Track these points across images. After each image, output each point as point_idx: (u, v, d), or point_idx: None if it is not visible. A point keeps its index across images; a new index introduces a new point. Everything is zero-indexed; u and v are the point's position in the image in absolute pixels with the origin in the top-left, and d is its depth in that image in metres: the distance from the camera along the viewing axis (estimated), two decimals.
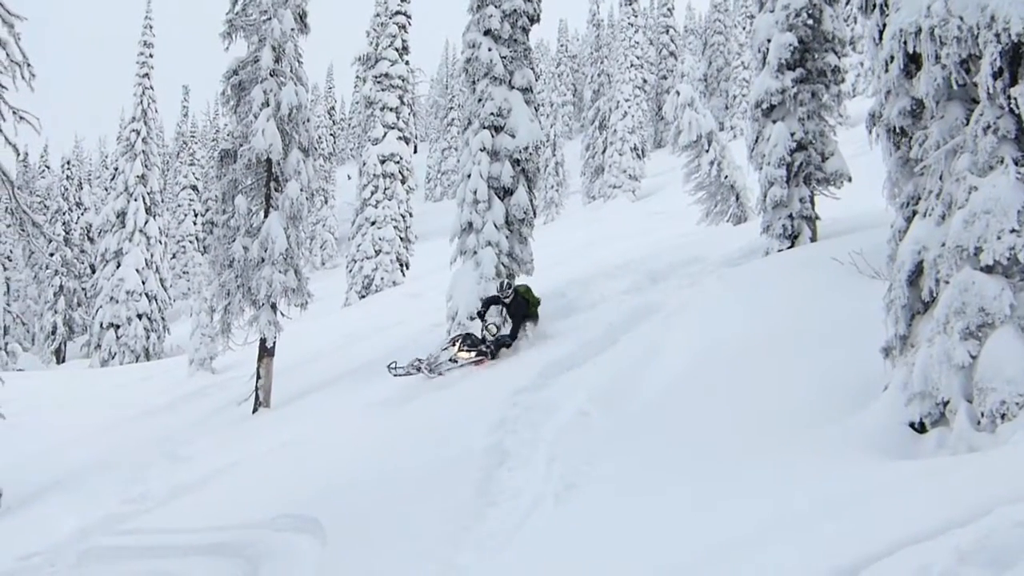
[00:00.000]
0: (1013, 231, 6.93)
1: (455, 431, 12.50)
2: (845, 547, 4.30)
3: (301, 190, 21.00)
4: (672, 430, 9.84)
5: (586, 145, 58.49)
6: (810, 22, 16.48)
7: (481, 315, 16.92)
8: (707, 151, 25.22)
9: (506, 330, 17.14)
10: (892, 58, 8.35)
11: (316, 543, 10.38)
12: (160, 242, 46.32)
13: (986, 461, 5.65)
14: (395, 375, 16.87)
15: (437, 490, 10.39)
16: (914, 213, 8.19)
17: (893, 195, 8.66)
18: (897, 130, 8.51)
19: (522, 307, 16.87)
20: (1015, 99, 7.11)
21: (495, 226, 19.81)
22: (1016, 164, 7.13)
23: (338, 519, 10.59)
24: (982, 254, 7.06)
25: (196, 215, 67.94)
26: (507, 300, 16.84)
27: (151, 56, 46.36)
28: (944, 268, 7.39)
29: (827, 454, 7.75)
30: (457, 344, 16.57)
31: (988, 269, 7.09)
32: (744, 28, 63.25)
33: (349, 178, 79.22)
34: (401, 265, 40.01)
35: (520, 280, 20.88)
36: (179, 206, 68.16)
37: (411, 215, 40.72)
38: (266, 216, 21.07)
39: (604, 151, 55.78)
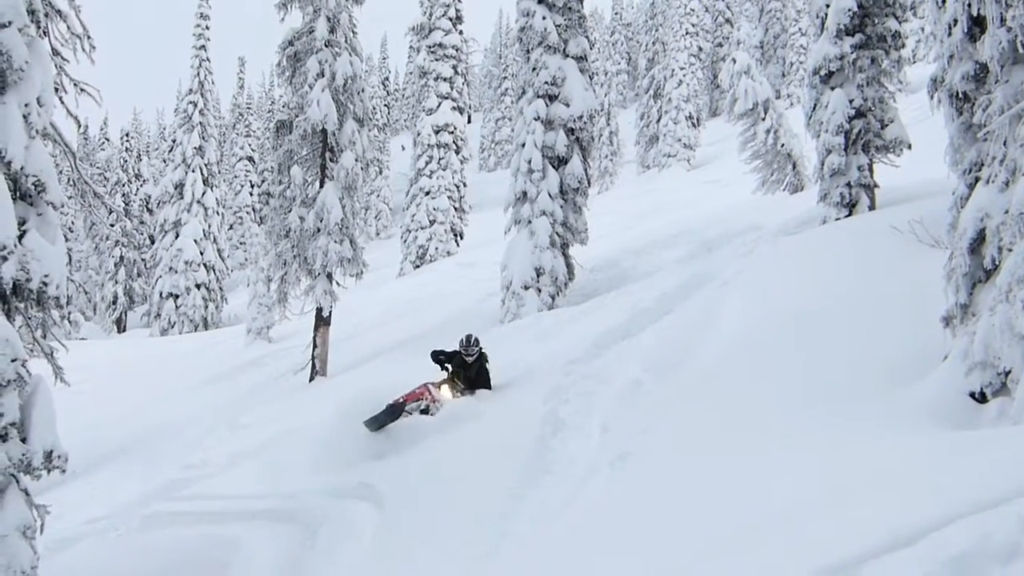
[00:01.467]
0: None
1: (509, 401, 12.56)
2: (905, 515, 4.26)
3: (356, 160, 21.11)
4: (727, 400, 9.78)
5: (640, 114, 58.02)
6: None
7: (443, 364, 14.03)
8: (763, 119, 24.92)
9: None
10: (956, 21, 8.19)
11: (373, 509, 10.52)
12: (217, 213, 46.88)
13: None
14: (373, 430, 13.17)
15: (492, 459, 10.46)
16: (976, 180, 8.04)
17: (955, 162, 8.51)
18: (960, 95, 8.35)
19: (483, 373, 13.86)
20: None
21: (549, 195, 19.80)
22: None
23: (395, 486, 10.71)
24: None
25: (252, 186, 68.59)
26: (470, 357, 13.74)
27: (208, 28, 46.73)
28: (1007, 235, 7.25)
29: (886, 424, 7.68)
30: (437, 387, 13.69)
31: None
32: None
33: (403, 149, 79.37)
34: (455, 235, 40.12)
35: (575, 249, 20.86)
36: (235, 177, 68.84)
37: (465, 185, 40.77)
38: (321, 186, 21.23)
39: (659, 120, 55.30)
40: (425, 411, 13.31)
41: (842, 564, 3.95)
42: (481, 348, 13.93)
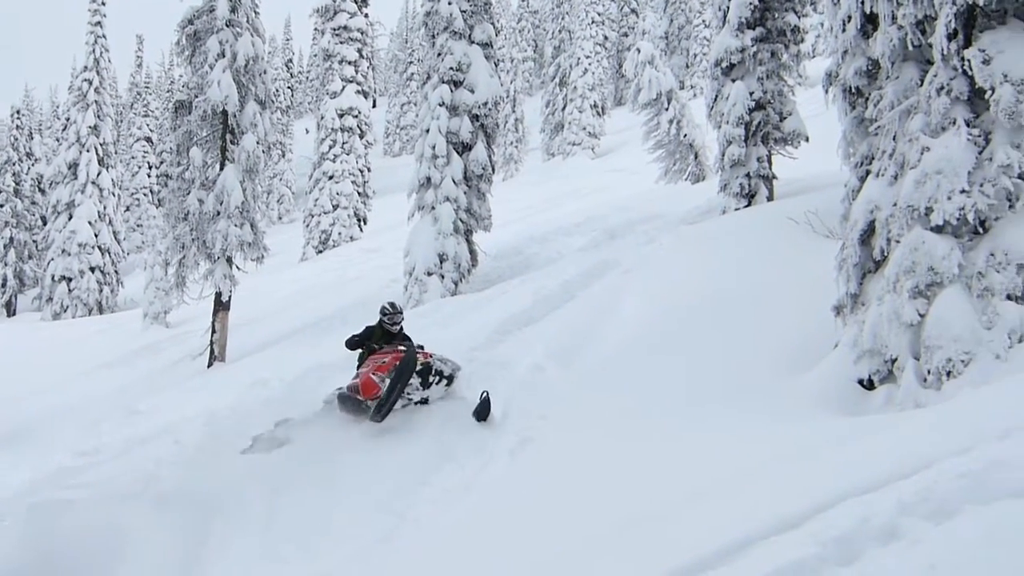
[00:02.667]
0: (963, 192, 7.03)
1: None
2: (792, 498, 4.37)
3: (257, 143, 20.75)
4: (628, 387, 9.92)
5: (546, 102, 58.18)
6: None
7: (357, 345, 11.62)
8: (667, 109, 25.21)
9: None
10: (850, 18, 8.40)
11: (269, 497, 10.38)
12: (113, 194, 45.60)
13: (931, 417, 5.76)
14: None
15: (393, 444, 10.42)
16: (867, 173, 8.27)
17: (848, 155, 8.75)
18: (853, 90, 8.58)
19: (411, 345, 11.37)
20: (968, 61, 7.17)
21: (453, 182, 19.76)
22: (968, 125, 7.21)
23: (295, 471, 10.59)
24: (932, 214, 7.16)
25: (150, 167, 66.87)
26: (396, 326, 11.58)
27: (104, 3, 45.37)
28: (895, 228, 7.48)
29: (777, 410, 7.87)
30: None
31: (938, 229, 7.20)
32: None
33: (307, 132, 78.24)
34: (359, 220, 39.74)
35: (478, 235, 20.86)
36: (133, 158, 67.05)
37: (369, 170, 40.41)
38: (222, 169, 20.81)
39: (564, 108, 55.52)
40: (424, 400, 10.91)
41: (732, 546, 4.04)
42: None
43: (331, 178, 39.27)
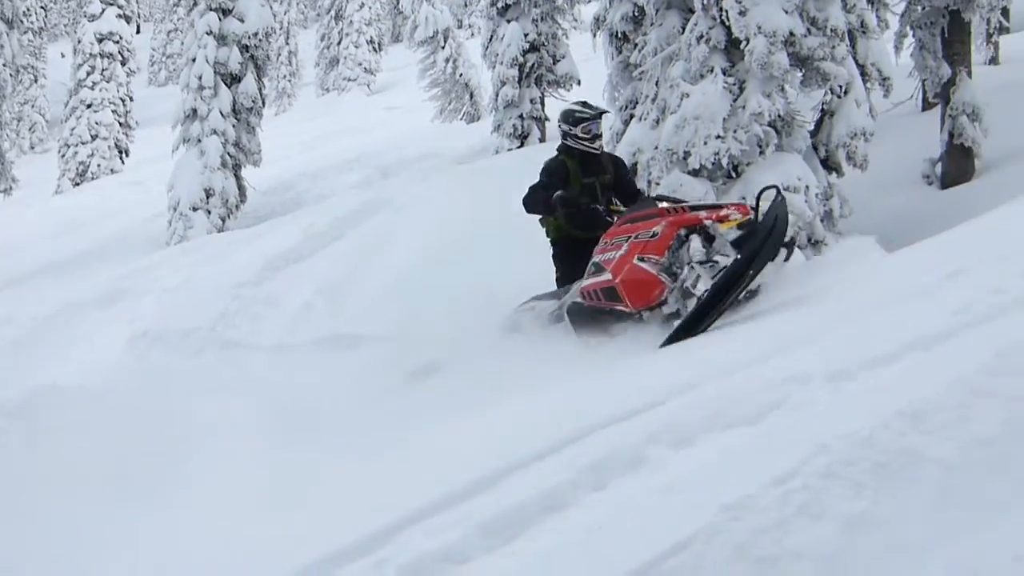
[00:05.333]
0: (718, 137, 7.36)
1: (167, 324, 12.03)
2: (552, 431, 4.50)
3: (4, 66, 19.24)
4: (393, 323, 9.93)
5: (321, 35, 56.67)
6: None
7: (551, 203, 6.99)
8: (443, 48, 25.12)
9: None
10: None
11: None
12: None
13: (676, 354, 6.01)
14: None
15: (153, 381, 10.04)
16: (631, 117, 8.54)
17: (613, 99, 9.00)
18: (619, 35, 8.82)
19: (622, 165, 7.44)
20: (726, 11, 7.47)
21: (221, 114, 19.03)
22: (724, 73, 7.54)
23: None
24: (690, 158, 7.47)
25: None
26: (598, 146, 7.13)
27: None
28: (656, 170, 7.77)
29: (541, 349, 8.04)
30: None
31: (695, 172, 7.51)
32: None
33: (63, 56, 73.25)
34: (120, 152, 37.72)
35: (247, 170, 20.25)
36: None
37: (132, 99, 38.36)
38: None
39: (340, 42, 54.29)
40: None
41: (496, 474, 4.12)
42: None
43: (89, 107, 37.02)
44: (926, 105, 12.80)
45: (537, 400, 5.68)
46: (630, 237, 6.32)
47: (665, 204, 6.38)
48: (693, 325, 5.88)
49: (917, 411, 3.29)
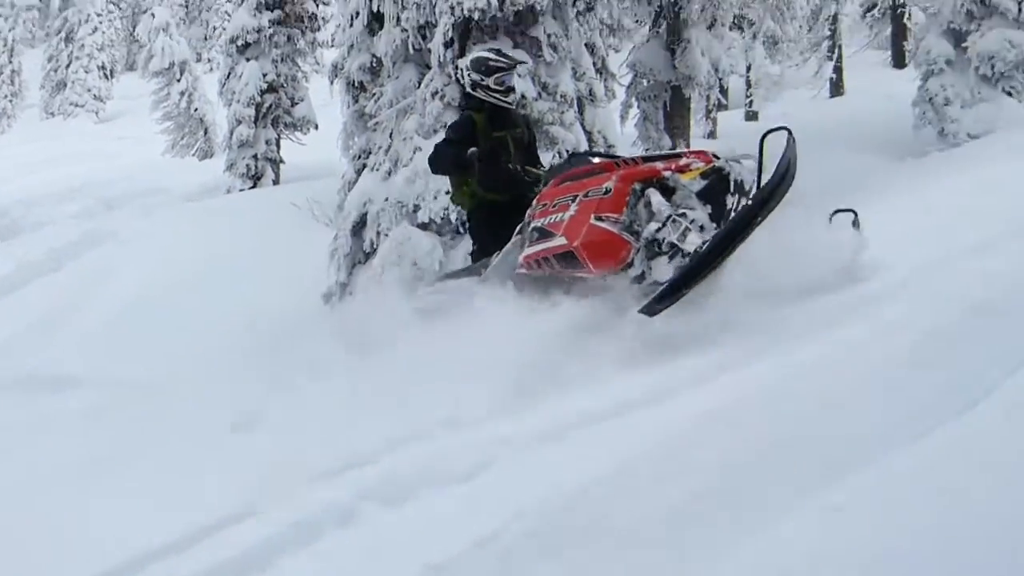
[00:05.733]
0: (447, 192, 7.46)
1: None
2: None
3: None
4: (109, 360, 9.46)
5: (49, 56, 53.65)
6: None
7: (461, 162, 6.37)
8: (179, 80, 24.31)
9: None
10: (358, 13, 8.62)
11: None
12: None
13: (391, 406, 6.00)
14: None
15: None
16: (364, 166, 8.53)
17: (347, 147, 9.00)
18: (356, 84, 8.83)
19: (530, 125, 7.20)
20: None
21: None
22: None
23: None
24: (420, 211, 7.53)
25: None
26: (511, 98, 6.68)
27: None
28: (386, 222, 7.78)
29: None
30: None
31: (424, 226, 7.59)
32: None
33: None
34: None
35: None
36: None
37: None
38: None
39: (69, 66, 51.55)
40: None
41: (190, 536, 3.93)
42: None
43: None
44: None
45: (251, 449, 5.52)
46: (577, 196, 5.66)
47: (606, 159, 5.95)
48: (688, 281, 5.16)
49: (619, 472, 3.43)
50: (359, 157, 8.64)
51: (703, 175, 5.55)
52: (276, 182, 16.49)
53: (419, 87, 8.05)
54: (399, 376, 5.51)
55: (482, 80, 6.49)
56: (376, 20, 8.52)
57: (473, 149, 6.24)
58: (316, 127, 16.85)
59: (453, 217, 7.46)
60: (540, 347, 5.13)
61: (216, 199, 16.02)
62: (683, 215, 5.36)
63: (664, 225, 5.34)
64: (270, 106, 16.35)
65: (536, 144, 6.97)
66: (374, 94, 8.48)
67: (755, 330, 4.82)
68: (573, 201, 5.65)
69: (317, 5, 17.18)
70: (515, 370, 4.95)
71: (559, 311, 5.54)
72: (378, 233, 7.88)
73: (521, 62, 7.03)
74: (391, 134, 8.10)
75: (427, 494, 3.78)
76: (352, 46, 8.69)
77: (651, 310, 5.11)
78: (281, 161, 16.77)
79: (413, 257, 7.49)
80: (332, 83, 9.10)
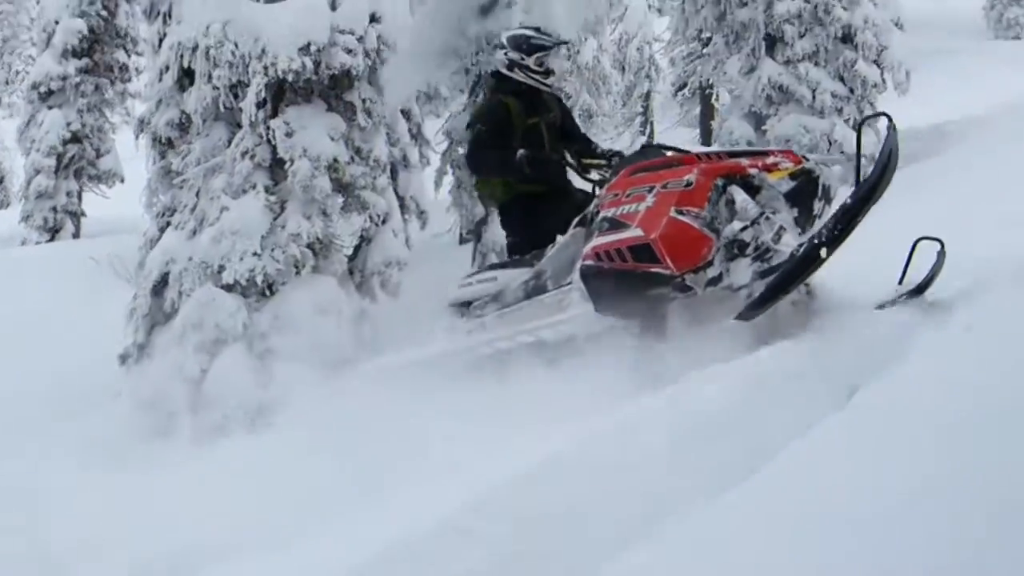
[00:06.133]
0: (255, 254, 7.31)
1: None
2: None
3: None
4: None
5: None
6: (104, 13, 16.10)
7: (500, 165, 6.19)
8: None
9: None
10: (167, 68, 8.39)
11: None
12: None
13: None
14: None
15: None
16: (168, 224, 8.27)
17: (151, 204, 8.72)
18: (163, 140, 8.58)
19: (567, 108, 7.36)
20: (273, 130, 7.52)
21: None
22: (267, 191, 7.54)
23: None
24: (225, 272, 7.33)
25: None
26: (550, 80, 6.46)
27: None
28: (188, 282, 7.53)
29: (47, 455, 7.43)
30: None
31: (229, 288, 7.39)
32: (38, 1, 59.21)
33: None
34: None
35: None
36: None
37: None
38: None
39: None
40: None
41: None
42: None
43: None
44: (462, 239, 13.69)
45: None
46: (655, 187, 5.28)
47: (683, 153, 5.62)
48: (787, 285, 4.88)
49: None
50: (163, 215, 8.36)
51: (792, 176, 5.28)
52: (76, 236, 15.83)
53: (229, 146, 7.88)
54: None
55: (522, 59, 6.08)
56: (187, 76, 8.30)
57: (522, 152, 5.87)
58: (122, 180, 16.31)
59: (259, 279, 7.30)
60: None
61: (9, 251, 15.21)
62: (770, 216, 5.13)
63: (751, 225, 5.13)
64: (73, 156, 15.75)
65: (573, 122, 6.67)
66: (182, 151, 8.24)
67: None
68: (650, 192, 5.31)
69: (128, 55, 16.73)
70: None
71: None
72: (180, 293, 7.61)
73: (564, 41, 6.63)
74: (198, 192, 7.88)
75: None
76: (161, 101, 8.44)
77: (747, 316, 4.94)
78: (83, 214, 16.13)
79: (216, 319, 7.27)
80: (137, 137, 8.81)
